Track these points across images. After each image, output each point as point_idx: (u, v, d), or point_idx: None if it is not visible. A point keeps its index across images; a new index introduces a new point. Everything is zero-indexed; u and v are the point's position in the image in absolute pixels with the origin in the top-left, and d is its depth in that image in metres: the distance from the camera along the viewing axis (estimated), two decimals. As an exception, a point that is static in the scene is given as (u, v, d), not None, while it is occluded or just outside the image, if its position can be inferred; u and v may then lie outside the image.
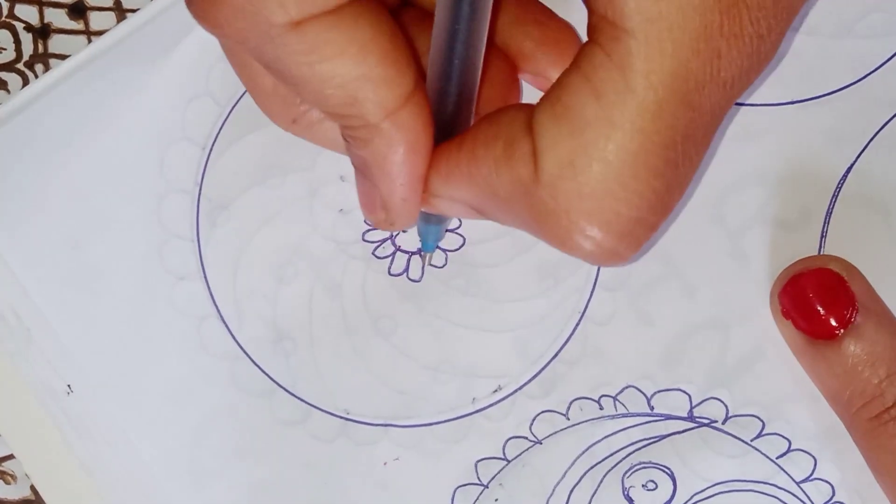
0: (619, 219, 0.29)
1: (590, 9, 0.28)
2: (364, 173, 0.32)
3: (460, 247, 0.37)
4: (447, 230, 0.37)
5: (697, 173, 0.37)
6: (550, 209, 0.29)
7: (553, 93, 0.29)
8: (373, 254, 0.38)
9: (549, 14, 0.35)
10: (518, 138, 0.29)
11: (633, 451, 0.36)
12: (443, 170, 0.31)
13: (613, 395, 0.36)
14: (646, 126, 0.28)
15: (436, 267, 0.37)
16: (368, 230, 0.38)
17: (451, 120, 0.32)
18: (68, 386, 0.37)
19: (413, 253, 0.37)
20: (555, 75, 0.35)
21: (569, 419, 0.36)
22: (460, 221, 0.37)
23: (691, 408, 0.36)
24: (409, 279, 0.37)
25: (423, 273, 0.37)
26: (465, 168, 0.31)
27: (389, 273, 0.37)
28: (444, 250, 0.37)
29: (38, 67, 0.40)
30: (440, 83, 0.31)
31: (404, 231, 0.37)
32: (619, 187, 0.28)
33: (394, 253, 0.38)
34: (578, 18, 0.35)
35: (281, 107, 0.33)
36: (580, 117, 0.28)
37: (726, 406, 0.36)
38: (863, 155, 0.37)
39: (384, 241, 0.38)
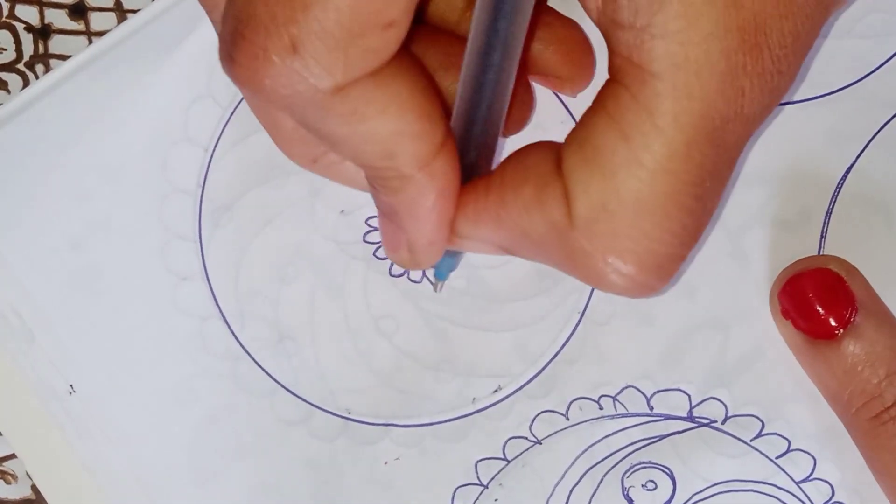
0: (653, 255, 0.29)
1: (612, 50, 0.29)
2: (390, 217, 0.32)
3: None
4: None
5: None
6: (586, 251, 0.29)
7: (580, 134, 0.29)
8: (374, 255, 0.38)
9: (556, 14, 0.35)
10: (548, 181, 0.30)
11: (633, 451, 0.36)
12: (471, 213, 0.31)
13: (613, 395, 0.37)
14: (675, 167, 0.28)
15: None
16: (369, 231, 0.38)
17: (476, 160, 0.32)
18: (70, 386, 0.37)
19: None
20: (566, 74, 0.35)
21: (568, 419, 0.37)
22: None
23: (691, 408, 0.36)
24: (410, 280, 0.37)
25: (423, 277, 0.37)
26: (493, 212, 0.31)
27: (390, 274, 0.38)
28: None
29: (39, 68, 0.40)
30: (467, 128, 0.31)
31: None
32: (653, 227, 0.29)
33: (394, 253, 0.38)
34: (577, 16, 0.35)
35: (301, 148, 0.33)
36: (610, 160, 0.28)
37: (726, 406, 0.36)
38: (863, 155, 0.37)
39: (385, 241, 0.38)
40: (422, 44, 0.34)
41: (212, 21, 0.32)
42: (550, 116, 0.37)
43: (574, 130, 0.30)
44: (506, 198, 0.31)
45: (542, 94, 0.37)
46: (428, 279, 0.37)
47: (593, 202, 0.29)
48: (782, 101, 0.37)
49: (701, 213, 0.29)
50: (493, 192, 0.31)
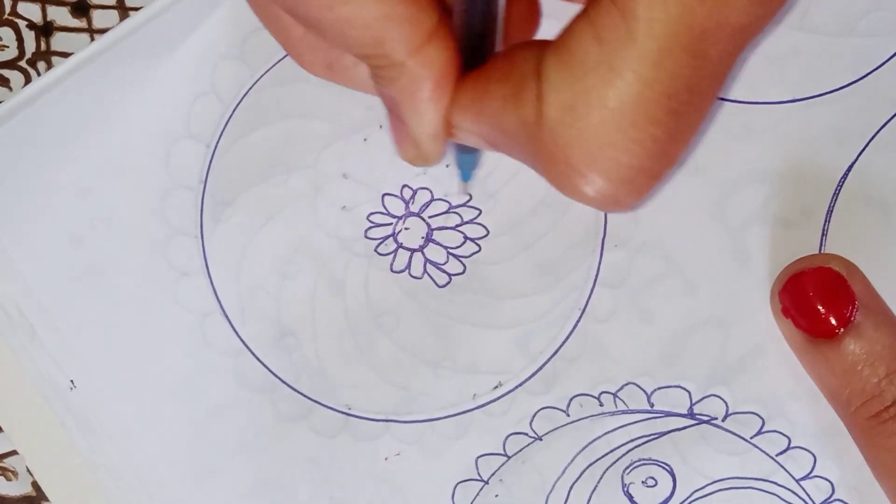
0: (619, 166, 0.28)
1: None
2: (394, 111, 0.32)
3: (461, 244, 0.38)
4: (445, 228, 0.37)
5: (697, 169, 0.37)
6: (552, 153, 0.29)
7: (561, 36, 0.29)
8: (375, 251, 0.38)
9: None
10: (526, 79, 0.29)
11: (633, 448, 0.36)
12: (459, 103, 0.31)
13: (613, 391, 0.37)
14: (646, 74, 0.27)
15: (437, 266, 0.37)
16: (371, 227, 0.38)
17: (477, 51, 0.31)
18: (71, 381, 0.37)
19: (414, 250, 0.38)
20: None
21: (569, 416, 0.37)
22: (461, 219, 0.38)
23: (691, 405, 0.36)
24: (411, 276, 0.38)
25: (468, 199, 0.37)
26: (477, 103, 0.31)
27: (391, 270, 0.38)
28: (446, 248, 0.38)
29: (41, 65, 0.40)
30: (465, 14, 0.31)
31: (400, 242, 0.38)
32: (619, 134, 0.28)
33: (396, 250, 0.38)
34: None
35: (313, 54, 0.33)
36: (582, 63, 0.28)
37: (726, 403, 0.36)
38: (864, 153, 0.37)
39: (386, 238, 0.38)
40: None
41: None
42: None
43: (558, 35, 0.29)
44: (488, 91, 0.30)
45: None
46: (429, 275, 0.37)
47: (562, 103, 0.28)
48: (784, 100, 0.37)
49: (675, 128, 0.28)
50: (479, 83, 0.31)
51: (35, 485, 0.39)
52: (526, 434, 0.37)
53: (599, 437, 0.36)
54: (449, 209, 0.38)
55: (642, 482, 0.36)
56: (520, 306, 0.37)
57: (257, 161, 0.38)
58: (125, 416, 0.37)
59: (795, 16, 0.37)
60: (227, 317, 0.38)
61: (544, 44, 0.30)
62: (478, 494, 0.36)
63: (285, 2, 0.29)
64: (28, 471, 0.38)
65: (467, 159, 0.35)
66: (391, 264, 0.38)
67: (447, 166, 0.37)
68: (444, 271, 0.37)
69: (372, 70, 0.31)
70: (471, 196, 0.38)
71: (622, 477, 0.36)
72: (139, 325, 0.37)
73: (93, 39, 0.40)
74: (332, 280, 0.38)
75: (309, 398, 0.37)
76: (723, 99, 0.37)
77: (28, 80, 0.40)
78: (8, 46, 0.40)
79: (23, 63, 0.40)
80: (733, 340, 0.36)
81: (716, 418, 0.36)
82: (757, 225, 0.37)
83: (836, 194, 0.37)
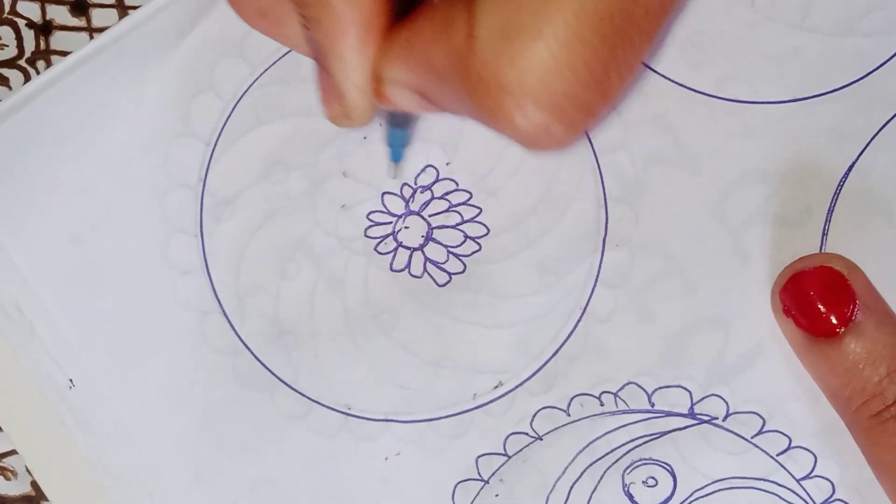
0: (551, 92, 0.27)
1: None
2: (320, 61, 0.31)
3: (461, 243, 0.38)
4: (445, 227, 0.37)
5: (698, 169, 0.37)
6: (483, 79, 0.28)
7: None
8: (375, 249, 0.38)
9: None
10: (456, 9, 0.28)
11: (634, 448, 0.36)
12: (388, 49, 0.30)
13: (614, 391, 0.37)
14: None
15: (437, 265, 0.37)
16: (371, 226, 0.38)
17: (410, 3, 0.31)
18: (70, 380, 0.37)
19: (415, 249, 0.38)
20: None
21: (569, 415, 0.37)
22: (461, 217, 0.38)
23: (692, 405, 0.36)
24: (411, 275, 0.37)
25: (424, 272, 0.37)
26: (405, 45, 0.30)
27: (391, 269, 0.38)
28: (447, 247, 0.38)
29: (40, 64, 0.40)
30: None
31: (399, 241, 0.37)
32: (551, 58, 0.27)
33: (396, 249, 0.38)
34: None
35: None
36: None
37: (727, 403, 0.36)
38: (864, 153, 0.37)
39: (386, 237, 0.38)
40: None
41: None
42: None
43: None
44: (416, 29, 0.29)
45: None
46: (429, 274, 0.37)
47: (493, 26, 0.27)
48: (784, 100, 0.37)
49: (609, 57, 0.27)
50: (407, 25, 0.30)
51: (34, 484, 0.38)
52: (526, 434, 0.37)
53: (600, 437, 0.36)
54: (449, 208, 0.38)
55: (643, 482, 0.36)
56: (520, 305, 0.37)
57: (257, 159, 0.38)
58: (124, 414, 0.37)
59: (796, 15, 0.37)
60: (226, 315, 0.38)
61: None
62: (478, 494, 0.36)
63: None
64: (27, 470, 0.38)
65: (398, 134, 0.34)
66: (391, 263, 0.38)
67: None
68: (444, 270, 0.37)
69: (299, 16, 0.30)
70: (398, 180, 0.37)
71: (623, 477, 0.36)
72: (138, 324, 0.37)
73: (92, 38, 0.40)
74: (332, 279, 0.38)
75: (308, 397, 0.37)
76: (723, 98, 0.37)
77: (27, 78, 0.40)
78: (7, 45, 0.40)
79: (22, 62, 0.40)
80: (734, 340, 0.36)
81: (716, 418, 0.36)
82: (757, 224, 0.37)
83: (836, 194, 0.37)
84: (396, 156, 0.36)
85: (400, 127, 0.34)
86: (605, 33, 0.27)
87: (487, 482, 0.36)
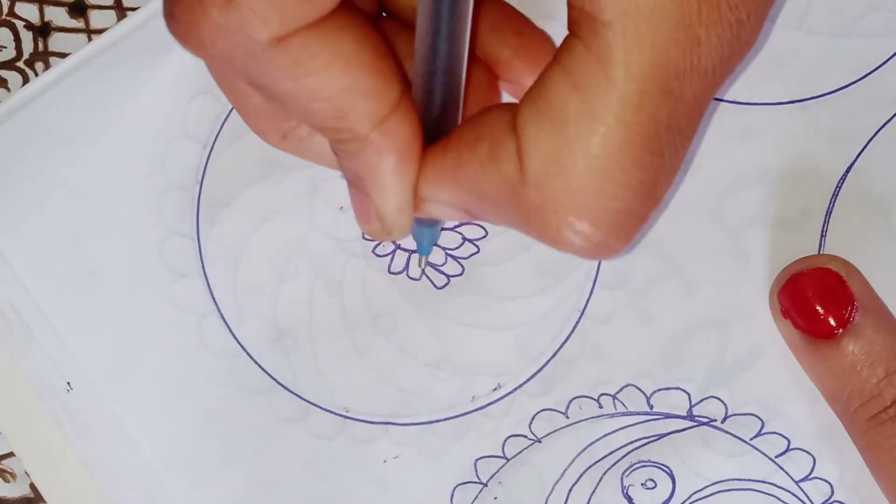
0: (608, 212, 0.28)
1: (569, 3, 0.28)
2: (357, 185, 0.32)
3: (459, 245, 0.37)
4: (444, 229, 0.37)
5: (696, 170, 0.37)
6: (539, 207, 0.29)
7: (535, 89, 0.29)
8: (373, 252, 0.38)
9: (527, 23, 0.35)
10: (502, 138, 0.29)
11: (633, 450, 0.36)
12: (430, 174, 0.31)
13: (613, 393, 0.37)
14: (628, 118, 0.27)
15: (435, 267, 0.37)
16: (368, 228, 0.38)
17: (438, 122, 0.31)
18: (68, 383, 0.37)
19: (413, 251, 0.38)
20: (530, 84, 0.35)
21: (568, 418, 0.37)
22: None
23: (691, 406, 0.36)
24: (409, 277, 0.37)
25: (422, 274, 0.37)
26: (451, 171, 0.30)
27: (389, 271, 0.38)
28: (445, 249, 0.37)
29: (39, 65, 0.40)
30: (426, 86, 0.31)
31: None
32: (606, 181, 0.28)
33: (394, 251, 0.38)
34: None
35: (269, 123, 0.33)
36: (562, 112, 0.28)
37: (725, 405, 0.36)
38: (863, 154, 0.37)
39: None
40: (392, 36, 0.33)
41: None
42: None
43: (531, 87, 0.29)
44: (462, 156, 0.30)
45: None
46: (428, 277, 0.37)
47: (545, 156, 0.28)
48: (783, 101, 0.37)
49: (659, 168, 0.28)
50: (450, 151, 0.30)
51: (33, 486, 0.38)
52: (525, 436, 0.37)
53: (599, 439, 0.36)
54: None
55: (642, 484, 0.36)
56: (519, 308, 0.37)
57: (254, 161, 0.38)
58: (122, 417, 0.37)
59: (795, 16, 0.37)
60: (223, 318, 0.38)
61: (513, 104, 0.30)
62: (477, 497, 0.36)
63: (247, 72, 0.29)
64: (26, 473, 0.38)
65: (427, 233, 0.35)
66: (389, 265, 0.38)
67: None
68: (443, 272, 0.37)
69: (333, 143, 0.31)
70: (423, 272, 0.37)
71: (622, 479, 0.36)
72: (136, 327, 0.37)
73: (90, 40, 0.40)
74: (330, 281, 0.38)
75: (306, 400, 0.37)
76: (722, 100, 0.37)
77: (26, 80, 0.40)
78: (6, 47, 0.40)
79: (20, 63, 0.40)
80: (732, 341, 0.36)
81: (715, 420, 0.36)
82: (756, 226, 0.37)
83: (835, 195, 0.37)
84: (425, 250, 0.36)
85: (429, 226, 0.35)
86: (653, 149, 0.28)
87: (486, 485, 0.36)
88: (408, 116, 0.30)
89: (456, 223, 0.37)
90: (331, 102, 0.29)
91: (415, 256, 0.37)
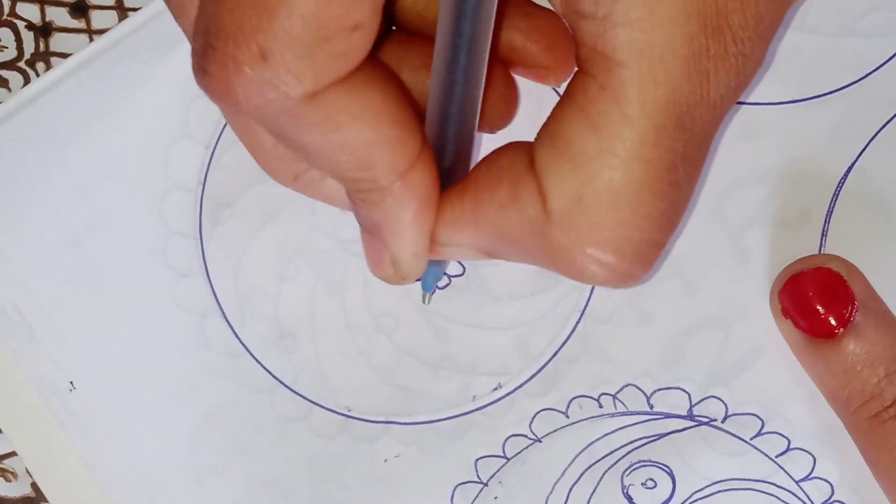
0: (631, 243, 0.29)
1: (579, 41, 0.29)
2: (372, 232, 0.32)
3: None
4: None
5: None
6: (564, 245, 0.29)
7: (550, 128, 0.29)
8: (374, 252, 0.38)
9: (534, 5, 0.35)
10: (522, 179, 0.30)
11: (633, 450, 0.36)
12: (448, 219, 0.31)
13: (613, 393, 0.37)
14: (646, 153, 0.28)
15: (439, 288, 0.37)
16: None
17: (453, 166, 0.32)
18: (71, 383, 0.37)
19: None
20: (548, 63, 0.35)
21: (568, 417, 0.37)
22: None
23: (691, 406, 0.36)
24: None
25: (426, 303, 0.37)
26: (470, 215, 0.31)
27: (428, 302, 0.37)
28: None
29: (40, 66, 0.40)
30: (440, 134, 0.31)
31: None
32: (629, 215, 0.29)
33: (395, 251, 0.38)
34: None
35: (282, 165, 0.33)
36: (582, 152, 0.28)
37: (726, 404, 0.36)
38: (863, 154, 0.37)
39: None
40: (399, 47, 0.34)
41: (181, 27, 0.32)
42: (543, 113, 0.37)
43: (545, 126, 0.30)
44: (481, 199, 0.31)
45: (538, 89, 0.37)
46: (424, 301, 0.37)
47: (567, 195, 0.29)
48: (783, 101, 0.37)
49: (676, 198, 0.29)
50: (468, 195, 0.31)
51: (34, 486, 0.39)
52: (525, 436, 0.37)
53: (599, 439, 0.36)
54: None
55: (642, 484, 0.36)
56: (519, 307, 0.37)
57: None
58: (124, 417, 0.37)
59: (795, 16, 0.37)
60: (226, 318, 0.38)
61: (527, 143, 0.30)
62: (477, 496, 0.36)
63: (278, 125, 0.29)
64: (27, 472, 0.38)
65: (433, 270, 0.35)
66: (430, 298, 0.37)
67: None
68: (444, 272, 0.37)
69: (352, 192, 0.31)
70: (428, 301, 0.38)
71: (622, 478, 0.36)
72: (138, 327, 0.37)
73: (92, 40, 0.40)
74: (332, 281, 0.38)
75: (308, 399, 0.37)
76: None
77: (27, 80, 0.40)
78: (7, 47, 0.40)
79: (21, 64, 0.40)
80: (733, 341, 0.36)
81: (715, 419, 0.36)
82: (756, 225, 0.37)
83: (835, 195, 0.37)
84: (429, 287, 0.36)
85: (434, 265, 0.35)
86: (671, 180, 0.29)
87: (486, 484, 0.37)
88: (428, 165, 0.30)
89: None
90: (356, 154, 0.29)
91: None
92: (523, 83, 0.36)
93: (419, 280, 0.36)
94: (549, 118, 0.30)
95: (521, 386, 0.37)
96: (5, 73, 0.40)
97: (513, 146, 0.31)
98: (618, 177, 0.28)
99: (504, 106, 0.35)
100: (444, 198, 0.31)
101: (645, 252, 0.30)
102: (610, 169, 0.28)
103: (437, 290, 0.37)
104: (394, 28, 0.35)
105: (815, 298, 0.35)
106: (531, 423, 0.37)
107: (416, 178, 0.30)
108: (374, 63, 0.29)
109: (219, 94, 0.28)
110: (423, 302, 0.37)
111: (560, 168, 0.29)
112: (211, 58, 0.27)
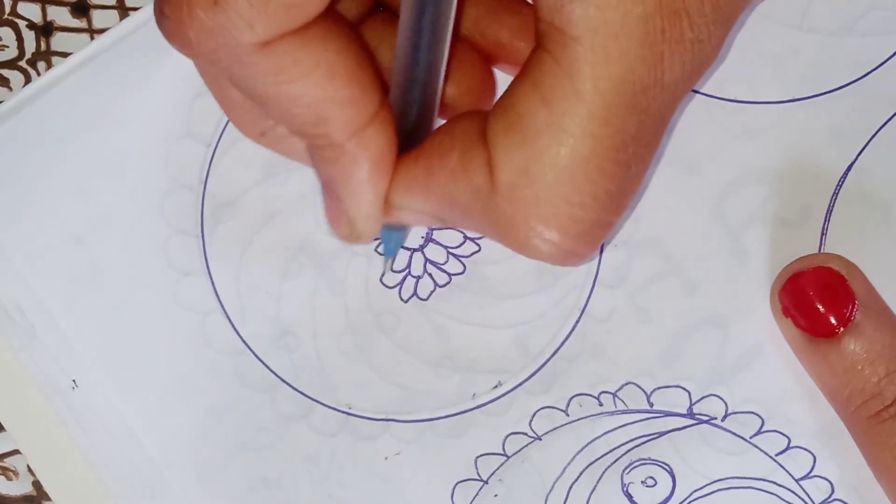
0: (576, 221, 0.29)
1: (538, 16, 0.29)
2: (329, 189, 0.32)
3: (461, 244, 0.38)
4: (446, 228, 0.37)
5: (697, 169, 0.37)
6: (509, 216, 0.29)
7: (505, 101, 0.30)
8: (375, 250, 0.38)
9: (523, 3, 0.35)
10: (473, 148, 0.30)
11: (633, 448, 0.36)
12: (401, 182, 0.31)
13: (613, 391, 0.37)
14: (596, 131, 0.28)
15: (437, 265, 0.37)
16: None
17: (413, 131, 0.32)
18: (73, 381, 0.37)
19: (415, 249, 0.38)
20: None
21: (568, 415, 0.37)
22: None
23: (691, 405, 0.36)
24: (412, 275, 0.38)
25: (384, 273, 0.37)
26: (422, 180, 0.31)
27: (392, 269, 0.38)
28: (446, 248, 0.38)
29: (41, 65, 0.40)
30: (403, 96, 0.31)
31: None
32: (574, 192, 0.29)
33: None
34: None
35: (249, 120, 0.34)
36: (532, 125, 0.29)
37: (726, 403, 0.36)
38: (863, 153, 0.37)
39: (386, 237, 0.38)
40: (383, 26, 0.34)
41: None
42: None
43: (500, 98, 0.30)
44: (433, 165, 0.31)
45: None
46: (430, 275, 0.37)
47: (515, 167, 0.29)
48: (783, 100, 0.37)
49: (625, 179, 0.29)
50: (422, 160, 0.31)
51: (36, 484, 0.39)
52: (525, 434, 0.37)
53: (599, 437, 0.36)
54: (448, 209, 0.38)
55: (642, 482, 0.36)
56: (519, 306, 0.37)
57: (257, 161, 0.38)
58: (126, 415, 0.37)
59: (795, 15, 0.37)
60: (227, 316, 0.38)
61: (483, 113, 0.30)
62: (477, 494, 0.37)
63: (231, 73, 0.29)
64: (29, 470, 0.38)
65: (394, 236, 0.35)
66: (391, 264, 0.38)
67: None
68: (444, 271, 0.38)
69: (309, 147, 0.31)
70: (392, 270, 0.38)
71: (622, 477, 0.36)
72: (140, 325, 0.38)
73: (93, 39, 0.40)
74: (333, 279, 0.38)
75: (309, 397, 0.37)
76: (722, 98, 0.37)
77: (28, 79, 0.40)
78: (8, 46, 0.41)
79: (23, 63, 0.41)
80: (733, 340, 0.36)
81: (715, 418, 0.36)
82: (756, 224, 0.37)
83: (835, 194, 0.37)
84: (391, 252, 0.36)
85: (397, 230, 0.35)
86: (620, 160, 0.29)
87: (486, 482, 0.37)
88: (384, 126, 0.31)
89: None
90: (310, 109, 0.29)
91: (417, 255, 0.38)
92: (504, 77, 0.36)
93: (380, 242, 0.36)
94: (505, 91, 0.30)
95: (521, 384, 0.37)
96: (6, 73, 0.41)
97: (469, 115, 0.31)
98: (565, 153, 0.28)
99: (481, 98, 0.35)
100: (400, 161, 0.32)
101: (589, 231, 0.30)
102: (558, 144, 0.28)
103: (437, 289, 0.37)
104: (381, 9, 0.35)
105: (816, 297, 0.35)
106: (531, 421, 0.37)
107: (370, 137, 0.30)
108: (334, 20, 0.29)
109: (173, 37, 0.29)
110: (384, 267, 0.37)
111: (510, 140, 0.29)
112: (167, 0, 0.28)
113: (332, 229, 0.33)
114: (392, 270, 0.37)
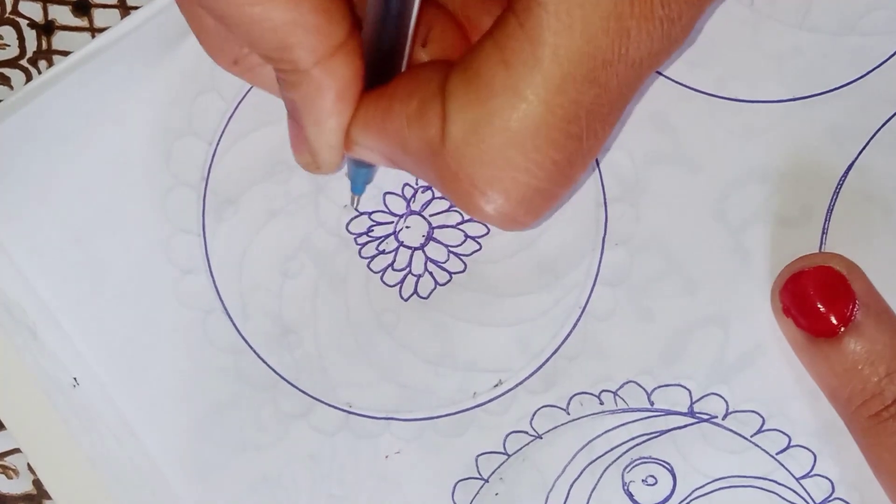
0: (519, 187, 0.29)
1: None
2: (293, 116, 0.32)
3: (461, 243, 0.38)
4: (446, 227, 0.37)
5: (697, 168, 0.37)
6: (454, 172, 0.29)
7: (467, 57, 0.29)
8: (376, 249, 0.38)
9: None
10: (431, 99, 0.30)
11: (633, 447, 0.36)
12: (361, 119, 0.31)
13: (614, 390, 0.37)
14: (549, 99, 0.28)
15: (437, 264, 0.37)
16: (373, 226, 0.38)
17: (383, 69, 0.32)
18: (74, 379, 0.37)
19: (415, 249, 0.38)
20: None
21: (569, 414, 0.37)
22: (462, 217, 0.38)
23: (691, 403, 0.36)
24: (412, 274, 0.38)
25: (424, 270, 0.37)
26: (379, 121, 0.31)
27: (393, 268, 0.38)
28: (447, 246, 0.38)
29: (42, 64, 0.40)
30: (374, 31, 0.31)
31: (401, 241, 0.38)
32: (520, 157, 0.29)
33: (397, 248, 0.38)
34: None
35: (222, 47, 0.34)
36: (488, 85, 0.29)
37: (726, 402, 0.36)
38: (864, 152, 0.37)
39: (387, 236, 0.38)
40: None
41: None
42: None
43: (464, 54, 0.30)
44: (393, 108, 0.31)
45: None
46: (430, 273, 0.38)
47: (466, 124, 0.29)
48: (784, 98, 0.37)
49: (574, 151, 0.29)
50: (383, 100, 0.31)
51: (36, 483, 0.39)
52: (526, 432, 0.37)
53: (599, 436, 0.36)
54: (450, 207, 0.38)
55: (642, 480, 0.36)
56: (520, 304, 0.37)
57: (259, 159, 0.38)
58: (127, 413, 0.37)
59: (796, 14, 0.37)
60: (228, 315, 0.38)
61: (449, 64, 0.30)
62: (478, 493, 0.37)
63: None
64: (29, 469, 0.38)
65: (361, 173, 0.36)
66: (392, 262, 0.38)
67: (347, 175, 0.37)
68: (445, 269, 0.38)
69: (276, 72, 0.31)
70: (357, 210, 0.38)
71: (622, 475, 0.36)
72: (141, 323, 0.38)
73: (94, 38, 0.40)
74: (334, 278, 0.38)
75: (310, 396, 0.37)
76: (722, 97, 0.37)
77: (29, 78, 0.41)
78: (9, 45, 0.41)
79: (24, 62, 0.41)
80: (733, 339, 0.36)
81: (716, 417, 0.36)
82: (757, 224, 0.37)
83: (836, 193, 0.37)
84: (358, 189, 0.36)
85: (363, 167, 0.35)
86: (570, 132, 0.29)
87: (487, 481, 0.37)
88: (351, 58, 0.30)
89: (459, 221, 0.38)
90: (275, 34, 0.29)
91: (418, 254, 0.38)
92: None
93: (346, 176, 0.36)
94: (469, 49, 0.30)
95: (521, 383, 0.37)
96: (7, 71, 0.41)
97: (434, 65, 0.31)
98: (516, 116, 0.28)
99: (452, 45, 0.35)
100: (364, 97, 0.32)
101: (531, 199, 0.30)
102: (510, 108, 0.28)
103: (437, 287, 0.37)
104: None
105: (816, 297, 0.35)
106: (532, 419, 0.37)
107: (336, 67, 0.30)
108: None
109: None
110: (352, 204, 0.37)
111: (466, 96, 0.29)
112: None
113: (295, 158, 0.33)
114: (356, 210, 0.37)
